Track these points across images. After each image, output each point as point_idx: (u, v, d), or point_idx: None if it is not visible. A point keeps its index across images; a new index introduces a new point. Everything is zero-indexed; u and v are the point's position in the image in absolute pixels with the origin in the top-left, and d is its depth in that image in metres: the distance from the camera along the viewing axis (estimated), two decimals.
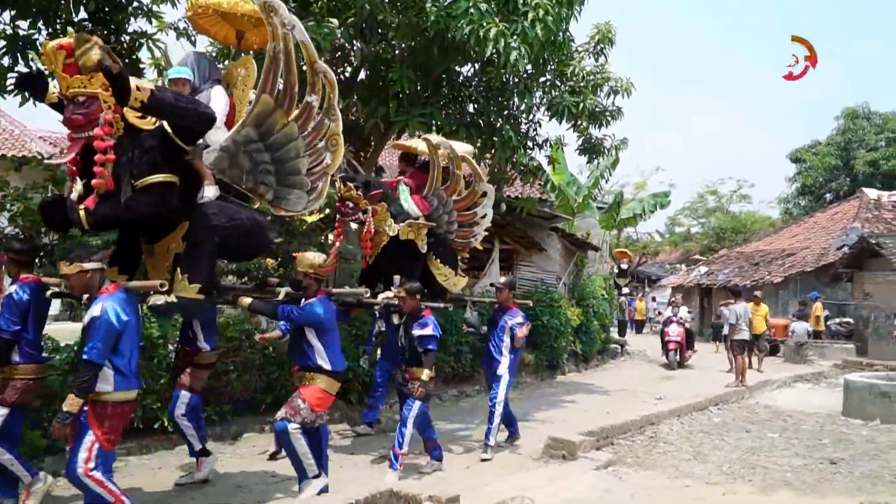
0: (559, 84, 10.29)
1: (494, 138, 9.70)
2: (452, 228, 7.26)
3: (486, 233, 7.82)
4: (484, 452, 7.00)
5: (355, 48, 9.55)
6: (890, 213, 22.58)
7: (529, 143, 10.91)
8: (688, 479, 6.32)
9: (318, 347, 5.12)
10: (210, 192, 4.84)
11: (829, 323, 19.62)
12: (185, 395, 5.76)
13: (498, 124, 9.76)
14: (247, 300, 5.18)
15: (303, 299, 5.30)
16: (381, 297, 6.50)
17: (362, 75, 10.08)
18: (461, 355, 10.86)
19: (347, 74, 10.02)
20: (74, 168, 4.51)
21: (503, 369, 7.18)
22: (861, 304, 18.78)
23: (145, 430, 6.70)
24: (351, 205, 6.34)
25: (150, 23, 8.39)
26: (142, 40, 8.07)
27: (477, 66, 10.00)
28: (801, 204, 36.16)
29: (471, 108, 10.16)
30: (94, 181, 4.31)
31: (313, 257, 5.25)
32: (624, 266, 24.08)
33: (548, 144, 11.36)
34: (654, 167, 56.70)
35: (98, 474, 4.08)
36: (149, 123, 4.66)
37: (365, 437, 7.74)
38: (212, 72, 5.49)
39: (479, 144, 10.14)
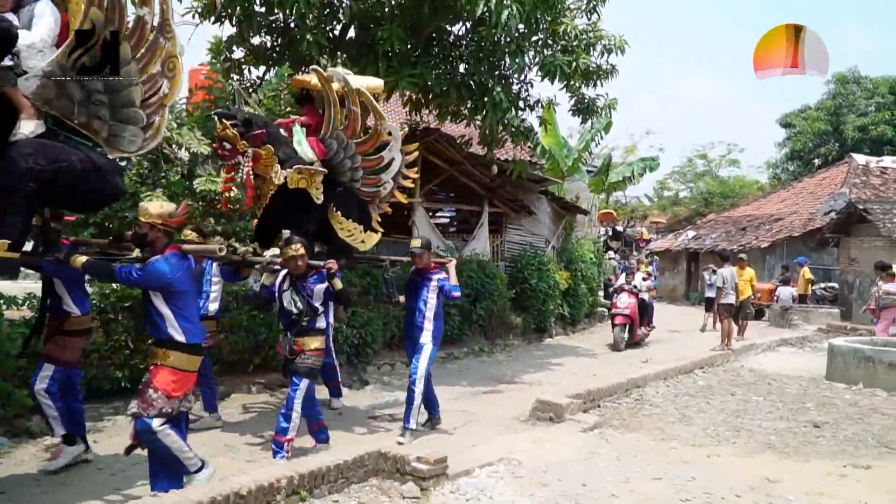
0: (551, 43, 10.11)
1: (485, 99, 9.56)
2: (357, 176, 6.28)
3: (412, 183, 6.86)
4: (401, 436, 6.14)
5: (344, 5, 9.34)
6: (878, 178, 22.69)
7: (521, 104, 10.77)
8: (673, 441, 6.38)
9: (167, 315, 4.31)
10: (27, 127, 3.97)
11: (814, 288, 19.82)
12: (48, 368, 5.10)
13: (489, 85, 9.60)
14: (81, 259, 4.37)
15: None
16: (267, 253, 5.84)
17: (351, 33, 9.87)
18: (449, 318, 10.87)
19: (336, 32, 9.80)
20: None
21: (427, 338, 6.35)
22: (847, 269, 18.97)
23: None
24: (228, 146, 5.46)
25: None
26: None
27: (468, 25, 9.80)
28: (789, 169, 36.26)
29: (461, 68, 9.98)
30: None
31: (159, 206, 4.46)
32: (619, 228, 23.91)
33: (539, 105, 11.23)
34: (643, 131, 56.52)
35: None
36: None
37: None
38: None
39: (469, 105, 10.01)
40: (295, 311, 5.43)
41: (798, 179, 29.78)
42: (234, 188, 6.03)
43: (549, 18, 9.56)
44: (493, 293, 11.90)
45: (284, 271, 5.58)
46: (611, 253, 22.75)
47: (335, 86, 5.98)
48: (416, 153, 6.77)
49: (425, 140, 12.05)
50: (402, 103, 11.39)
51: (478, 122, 10.53)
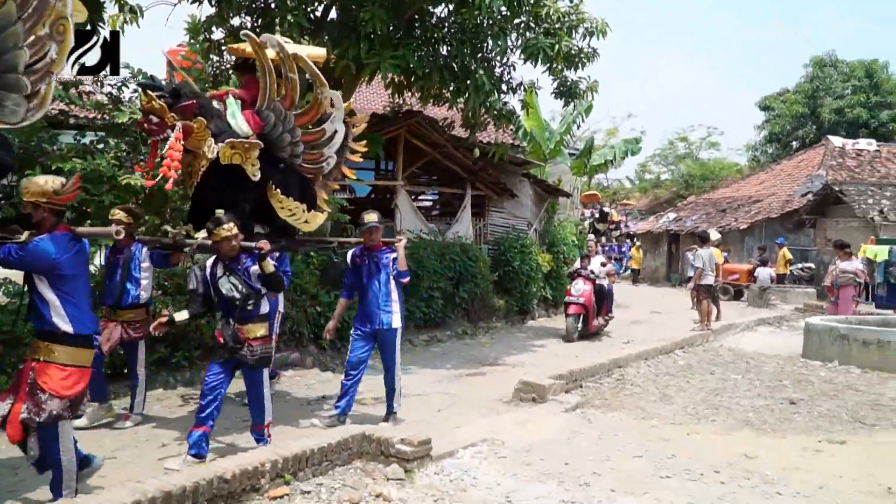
0: (534, 26, 10.08)
1: (468, 82, 9.54)
2: (298, 151, 5.75)
3: (360, 156, 6.46)
4: (385, 421, 6.07)
5: None
6: (853, 160, 23.00)
7: (503, 87, 10.76)
8: (654, 419, 6.48)
9: (52, 301, 3.86)
10: None
11: (791, 268, 20.12)
12: None
13: (472, 67, 9.58)
14: None
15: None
16: (199, 235, 5.41)
17: (333, 14, 9.78)
18: (432, 300, 10.91)
19: (317, 14, 9.70)
20: None
21: (397, 321, 6.06)
22: (823, 249, 19.26)
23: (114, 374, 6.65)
24: (155, 120, 5.02)
25: None
26: None
27: (451, 6, 9.75)
28: (768, 151, 36.68)
29: (444, 50, 9.93)
30: None
31: (45, 182, 3.96)
32: (606, 210, 23.63)
33: (521, 88, 11.23)
34: (625, 114, 56.99)
35: None
36: None
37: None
38: None
39: (452, 88, 9.98)
40: (238, 295, 4.99)
41: (776, 162, 30.14)
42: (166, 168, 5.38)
43: (531, 1, 9.55)
44: (475, 276, 11.95)
45: (211, 260, 5.16)
46: (591, 236, 22.68)
47: (270, 53, 5.47)
48: (364, 126, 6.37)
49: (408, 122, 12.03)
50: (385, 85, 11.33)
51: (460, 105, 10.50)
